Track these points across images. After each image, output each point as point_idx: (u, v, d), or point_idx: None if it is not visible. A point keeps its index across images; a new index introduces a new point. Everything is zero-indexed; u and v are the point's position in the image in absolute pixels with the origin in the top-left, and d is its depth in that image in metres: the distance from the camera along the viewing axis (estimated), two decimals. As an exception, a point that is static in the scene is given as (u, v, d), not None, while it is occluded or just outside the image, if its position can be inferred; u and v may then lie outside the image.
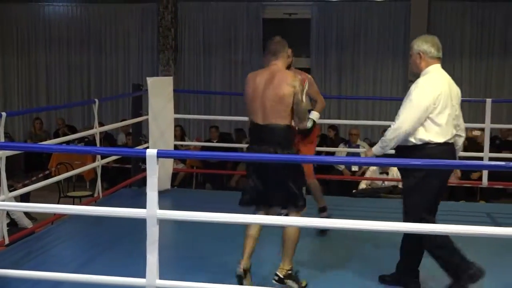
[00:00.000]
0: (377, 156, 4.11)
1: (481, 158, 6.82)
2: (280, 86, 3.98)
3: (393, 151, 4.13)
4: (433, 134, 3.92)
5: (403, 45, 11.99)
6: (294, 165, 4.00)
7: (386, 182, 8.68)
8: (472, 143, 9.76)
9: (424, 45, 4.01)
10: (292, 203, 4.07)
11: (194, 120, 12.52)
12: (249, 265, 4.03)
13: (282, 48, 4.14)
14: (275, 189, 4.03)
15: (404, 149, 3.98)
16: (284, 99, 3.96)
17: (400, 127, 3.90)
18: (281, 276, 4.01)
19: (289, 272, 4.04)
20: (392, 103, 11.66)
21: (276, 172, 3.96)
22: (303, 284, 4.14)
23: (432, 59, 4.03)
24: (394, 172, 8.92)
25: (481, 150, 7.02)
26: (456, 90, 4.13)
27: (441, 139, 3.92)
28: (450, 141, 3.99)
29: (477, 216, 6.34)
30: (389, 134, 3.97)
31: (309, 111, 4.95)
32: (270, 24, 12.51)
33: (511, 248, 4.79)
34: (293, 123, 4.10)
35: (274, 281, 4.01)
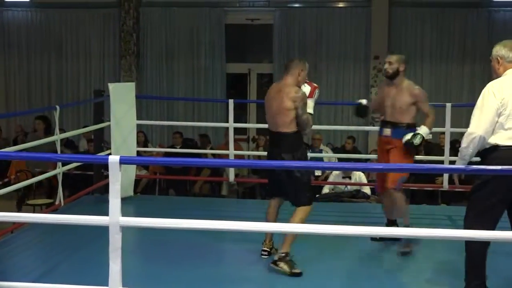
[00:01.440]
0: None
1: (442, 162, 6.94)
2: (283, 100, 4.63)
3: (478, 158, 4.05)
4: (501, 137, 3.84)
5: (364, 50, 12.12)
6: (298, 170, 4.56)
7: (349, 187, 8.74)
8: (434, 147, 9.90)
9: (503, 50, 3.97)
10: (294, 200, 4.67)
11: (157, 126, 12.43)
12: (271, 245, 4.90)
13: (295, 66, 4.82)
14: (281, 185, 4.71)
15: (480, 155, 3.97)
16: (286, 111, 4.61)
17: (472, 132, 3.87)
18: (276, 258, 4.59)
19: (283, 255, 4.52)
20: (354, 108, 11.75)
21: (281, 171, 4.62)
22: (296, 270, 4.50)
23: (510, 63, 3.96)
24: (357, 176, 9.00)
25: (442, 154, 7.14)
26: None
27: (510, 143, 3.83)
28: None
29: (438, 219, 6.45)
30: (463, 142, 3.96)
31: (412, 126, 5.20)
32: (233, 29, 12.52)
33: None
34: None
35: (270, 264, 4.61)
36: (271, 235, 4.94)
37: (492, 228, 3.75)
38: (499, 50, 3.98)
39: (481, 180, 3.86)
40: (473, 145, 3.87)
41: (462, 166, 3.76)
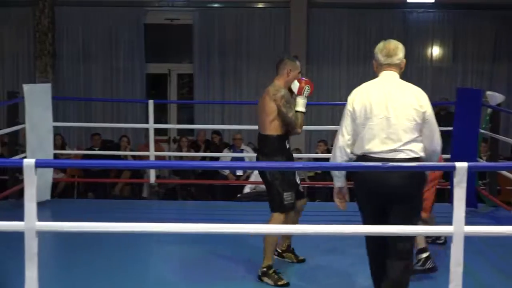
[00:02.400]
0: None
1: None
2: (265, 100, 4.48)
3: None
4: (356, 147, 3.69)
5: (283, 50, 12.23)
6: (273, 173, 4.41)
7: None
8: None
9: (376, 53, 3.83)
10: (271, 205, 4.52)
11: (75, 128, 12.14)
12: (285, 247, 4.86)
13: (283, 65, 4.62)
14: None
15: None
16: (267, 112, 4.45)
17: (336, 137, 3.75)
18: (259, 274, 4.47)
19: (264, 269, 4.42)
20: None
21: (262, 176, 4.56)
22: (281, 283, 4.38)
23: (381, 66, 3.79)
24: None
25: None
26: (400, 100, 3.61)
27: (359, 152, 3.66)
28: (371, 155, 3.59)
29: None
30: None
31: None
32: (152, 29, 12.39)
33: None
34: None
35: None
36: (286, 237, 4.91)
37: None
38: (374, 53, 3.86)
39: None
40: (333, 152, 3.77)
41: (380, 164, 3.82)
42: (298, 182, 4.75)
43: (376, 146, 3.57)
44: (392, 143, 3.54)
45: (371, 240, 3.74)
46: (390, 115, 3.55)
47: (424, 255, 4.57)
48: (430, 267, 4.56)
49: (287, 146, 4.59)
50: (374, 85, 3.73)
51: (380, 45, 3.87)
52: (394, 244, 3.58)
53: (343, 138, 3.67)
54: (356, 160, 3.67)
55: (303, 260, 4.93)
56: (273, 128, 4.48)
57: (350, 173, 3.74)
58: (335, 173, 3.77)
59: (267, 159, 4.50)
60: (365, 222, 3.72)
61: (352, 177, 3.70)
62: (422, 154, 3.58)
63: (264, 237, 4.43)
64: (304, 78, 4.66)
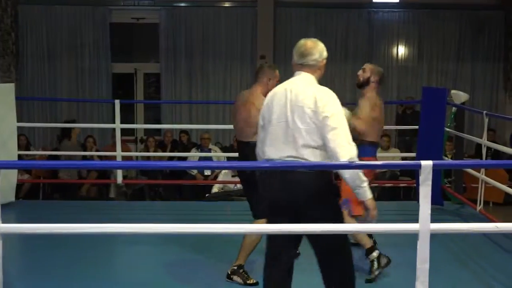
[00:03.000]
0: None
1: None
2: (251, 111, 4.44)
3: None
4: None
5: (250, 50, 12.25)
6: (251, 179, 4.23)
7: (238, 185, 8.81)
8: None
9: (293, 52, 3.69)
10: (254, 212, 4.54)
11: (39, 128, 11.97)
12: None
13: (262, 73, 4.61)
14: None
15: None
16: (253, 123, 4.19)
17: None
18: (228, 272, 4.52)
19: (235, 268, 4.48)
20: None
21: (245, 183, 4.61)
22: (250, 282, 4.45)
23: (295, 66, 3.64)
24: (246, 175, 9.08)
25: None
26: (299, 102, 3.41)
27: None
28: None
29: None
30: None
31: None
32: (118, 28, 12.27)
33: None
34: None
35: (226, 279, 4.52)
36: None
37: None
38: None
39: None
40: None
41: (347, 162, 3.83)
42: None
43: (274, 152, 3.39)
44: (289, 149, 3.33)
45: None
46: (288, 119, 3.35)
47: (375, 254, 4.53)
48: (386, 262, 4.55)
49: None
50: (281, 87, 3.52)
51: (298, 43, 3.70)
52: (323, 254, 3.44)
53: (259, 143, 3.57)
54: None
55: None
56: (249, 135, 4.44)
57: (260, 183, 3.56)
58: None
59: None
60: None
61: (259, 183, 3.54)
62: (321, 159, 3.34)
63: (244, 237, 4.46)
64: None
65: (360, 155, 3.52)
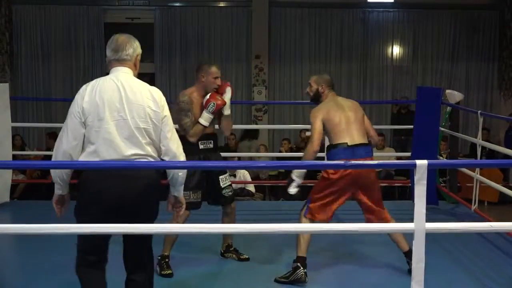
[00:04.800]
0: None
1: (323, 158, 7.11)
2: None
3: None
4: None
5: (245, 49, 12.25)
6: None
7: (233, 185, 8.78)
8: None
9: (107, 48, 3.46)
10: None
11: (34, 128, 11.96)
12: (224, 248, 5.03)
13: (196, 71, 4.72)
14: None
15: None
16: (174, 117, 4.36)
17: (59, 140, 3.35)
18: (222, 251, 4.99)
19: (159, 258, 4.57)
20: (237, 106, 11.88)
21: None
22: (165, 272, 4.56)
23: (110, 62, 3.43)
24: (241, 174, 9.09)
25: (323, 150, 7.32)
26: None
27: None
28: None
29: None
30: None
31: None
32: (112, 28, 12.24)
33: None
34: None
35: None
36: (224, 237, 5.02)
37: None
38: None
39: None
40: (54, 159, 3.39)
41: (342, 162, 3.84)
42: (222, 186, 4.85)
43: (113, 152, 3.20)
44: (133, 147, 3.22)
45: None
46: (127, 116, 3.22)
47: (301, 268, 4.35)
48: (299, 279, 4.35)
49: (203, 146, 4.71)
50: (107, 82, 3.30)
51: (110, 38, 3.47)
52: (137, 256, 3.41)
53: (68, 142, 3.23)
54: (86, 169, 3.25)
55: (247, 259, 4.94)
56: (181, 130, 4.59)
57: (82, 181, 3.28)
58: (56, 180, 3.39)
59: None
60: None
61: (79, 186, 3.30)
62: (163, 157, 3.35)
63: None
64: (218, 95, 4.67)
65: None
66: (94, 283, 3.35)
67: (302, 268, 4.36)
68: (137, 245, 3.37)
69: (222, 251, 5.02)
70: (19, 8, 12.07)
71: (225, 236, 5.00)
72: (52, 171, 3.36)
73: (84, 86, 3.32)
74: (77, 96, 3.29)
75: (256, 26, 12.11)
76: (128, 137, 3.20)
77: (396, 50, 12.56)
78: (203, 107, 4.63)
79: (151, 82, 14.30)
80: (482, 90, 12.60)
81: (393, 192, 9.94)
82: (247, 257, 4.97)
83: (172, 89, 12.14)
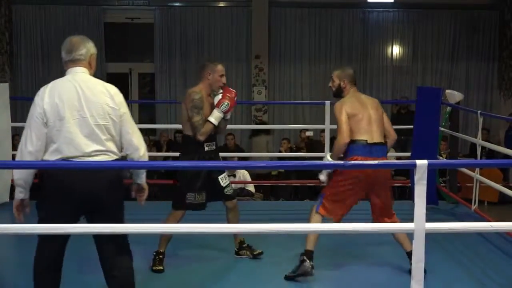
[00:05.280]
0: None
1: (322, 158, 7.11)
2: (183, 102, 4.69)
3: None
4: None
5: (245, 49, 12.25)
6: (180, 172, 4.67)
7: (233, 185, 8.78)
8: (316, 144, 10.18)
9: (61, 50, 3.65)
10: (172, 202, 4.71)
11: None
12: (237, 245, 4.96)
13: (202, 70, 4.79)
14: None
15: None
16: (183, 114, 4.68)
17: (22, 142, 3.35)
18: (236, 249, 4.94)
19: (154, 253, 4.64)
20: (237, 106, 11.86)
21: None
22: (156, 268, 4.60)
23: (66, 63, 3.59)
24: (241, 174, 9.09)
25: (323, 150, 7.34)
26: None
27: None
28: (74, 160, 3.28)
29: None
30: None
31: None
32: (112, 28, 12.26)
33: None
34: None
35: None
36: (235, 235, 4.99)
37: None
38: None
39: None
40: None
41: (341, 162, 3.87)
42: (223, 185, 4.86)
43: (74, 150, 3.25)
44: (93, 144, 3.28)
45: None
46: (86, 115, 3.29)
47: (308, 261, 4.36)
48: (306, 273, 4.37)
49: (208, 148, 4.72)
50: (65, 83, 3.42)
51: (64, 41, 3.66)
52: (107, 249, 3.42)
53: (33, 143, 3.27)
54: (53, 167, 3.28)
55: (261, 253, 4.94)
56: (187, 129, 4.69)
57: (47, 177, 3.36)
58: (20, 183, 3.43)
59: (182, 158, 4.72)
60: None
61: (44, 181, 3.38)
62: (122, 154, 3.45)
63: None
64: (229, 94, 4.74)
65: None
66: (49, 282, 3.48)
67: (308, 261, 4.36)
68: (110, 240, 3.39)
69: (236, 249, 4.97)
70: (19, 8, 12.07)
71: (235, 234, 4.97)
72: (16, 175, 3.38)
73: (42, 88, 3.41)
74: (37, 98, 3.37)
75: (256, 26, 12.12)
76: (89, 134, 3.27)
77: (396, 50, 12.57)
78: (210, 106, 4.65)
79: (152, 82, 14.28)
80: (482, 90, 12.60)
81: (393, 192, 9.92)
82: (260, 251, 4.94)
83: (172, 89, 12.14)
